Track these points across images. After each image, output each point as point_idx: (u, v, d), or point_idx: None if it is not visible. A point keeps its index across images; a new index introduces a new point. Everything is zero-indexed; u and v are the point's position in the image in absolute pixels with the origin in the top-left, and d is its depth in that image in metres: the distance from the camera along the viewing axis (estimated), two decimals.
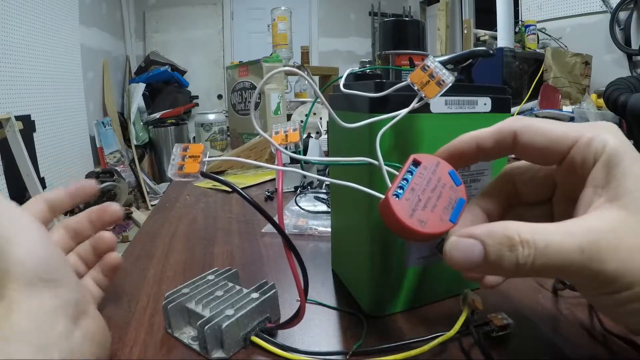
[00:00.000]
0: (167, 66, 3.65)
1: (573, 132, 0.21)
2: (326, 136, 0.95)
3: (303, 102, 1.59)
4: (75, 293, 0.23)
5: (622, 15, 2.02)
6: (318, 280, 0.37)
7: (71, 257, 0.30)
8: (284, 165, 0.26)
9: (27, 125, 2.02)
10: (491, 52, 0.55)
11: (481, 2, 3.35)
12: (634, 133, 1.06)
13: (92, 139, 2.88)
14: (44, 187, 2.02)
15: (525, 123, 0.22)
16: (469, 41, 2.43)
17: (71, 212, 0.33)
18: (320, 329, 0.30)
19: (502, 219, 0.25)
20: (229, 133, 1.44)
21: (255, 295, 0.29)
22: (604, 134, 0.20)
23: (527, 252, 0.18)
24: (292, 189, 0.69)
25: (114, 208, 0.31)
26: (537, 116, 1.38)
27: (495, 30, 1.98)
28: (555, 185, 0.25)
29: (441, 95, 0.26)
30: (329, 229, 0.41)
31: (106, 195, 2.36)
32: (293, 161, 0.66)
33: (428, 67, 0.26)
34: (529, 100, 1.54)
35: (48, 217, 0.29)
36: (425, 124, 0.29)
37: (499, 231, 0.19)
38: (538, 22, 2.11)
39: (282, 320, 0.29)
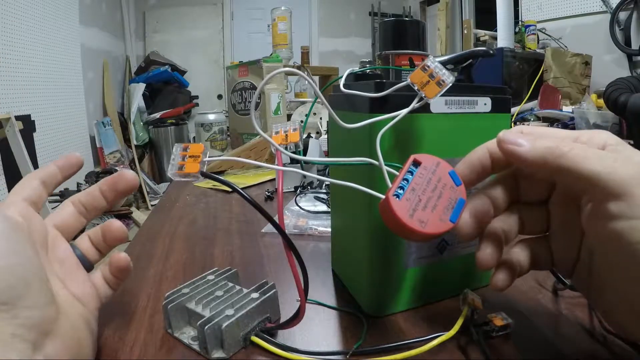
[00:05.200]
0: (167, 66, 3.65)
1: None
2: (326, 136, 0.95)
3: (303, 102, 1.59)
4: (39, 310, 0.20)
5: (622, 15, 2.02)
6: (318, 280, 0.37)
7: (84, 241, 0.28)
8: (284, 165, 0.26)
9: (27, 125, 2.02)
10: (491, 52, 0.55)
11: (481, 2, 3.35)
12: (634, 133, 1.06)
13: (92, 139, 2.88)
14: None
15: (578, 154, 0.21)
16: (469, 41, 2.43)
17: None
18: (320, 329, 0.30)
19: (505, 210, 0.26)
20: (229, 133, 1.44)
21: (255, 295, 0.29)
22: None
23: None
24: (292, 189, 0.69)
25: (129, 176, 0.28)
26: (537, 116, 1.38)
27: (495, 30, 1.98)
28: (554, 187, 0.25)
29: (441, 96, 0.26)
30: (329, 229, 0.41)
31: None
32: (293, 161, 0.66)
33: (428, 67, 0.26)
34: (529, 100, 1.54)
35: (42, 193, 0.26)
36: (426, 124, 0.29)
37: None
38: (538, 22, 2.11)
39: (282, 320, 0.29)
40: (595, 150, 0.21)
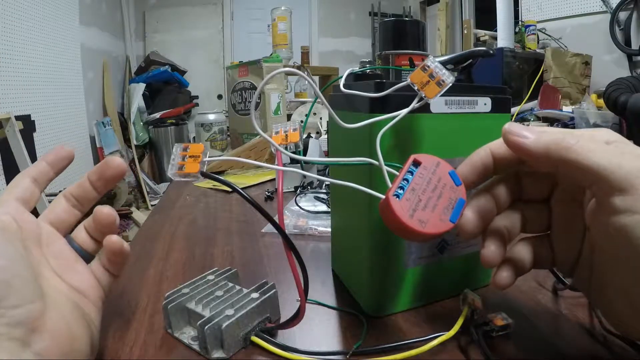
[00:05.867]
0: (167, 66, 3.65)
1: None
2: (326, 136, 0.95)
3: (303, 102, 1.59)
4: (24, 308, 0.20)
5: (622, 15, 2.02)
6: (318, 280, 0.37)
7: (80, 233, 0.28)
8: (284, 165, 0.26)
9: (27, 125, 2.01)
10: (491, 52, 0.55)
11: (481, 2, 3.34)
12: (634, 133, 1.06)
13: (92, 139, 2.88)
14: None
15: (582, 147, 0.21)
16: (469, 41, 2.43)
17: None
18: (320, 329, 0.30)
19: (507, 208, 0.26)
20: (229, 133, 1.44)
21: (255, 295, 0.29)
22: None
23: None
24: (292, 189, 0.69)
25: (115, 162, 0.27)
26: (537, 116, 1.38)
27: (495, 30, 1.98)
28: (555, 185, 0.25)
29: (441, 96, 0.26)
30: (329, 229, 0.41)
31: (106, 195, 2.36)
32: (293, 161, 0.66)
33: (428, 67, 0.26)
34: (529, 100, 1.54)
35: (35, 191, 0.26)
36: (426, 124, 0.29)
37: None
38: (538, 22, 2.11)
39: (282, 320, 0.29)
40: (601, 144, 0.21)
